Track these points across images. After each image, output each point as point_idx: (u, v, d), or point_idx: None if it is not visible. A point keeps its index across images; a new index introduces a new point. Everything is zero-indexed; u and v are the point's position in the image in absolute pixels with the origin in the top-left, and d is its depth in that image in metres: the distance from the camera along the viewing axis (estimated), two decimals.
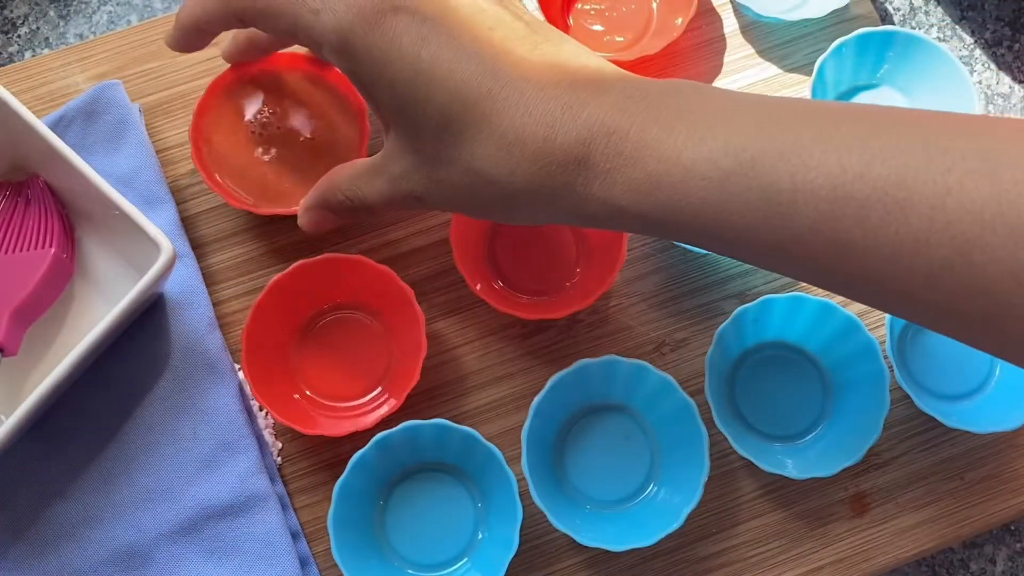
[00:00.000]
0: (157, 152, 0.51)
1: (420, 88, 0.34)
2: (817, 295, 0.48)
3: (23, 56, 0.56)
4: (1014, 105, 0.56)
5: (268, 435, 0.48)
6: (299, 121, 0.49)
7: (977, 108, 0.50)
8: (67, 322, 0.48)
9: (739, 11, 0.54)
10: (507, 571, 0.44)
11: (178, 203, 0.50)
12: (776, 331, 0.49)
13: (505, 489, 0.44)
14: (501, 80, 0.34)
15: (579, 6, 0.54)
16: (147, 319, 0.47)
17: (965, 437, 0.49)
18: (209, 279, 0.50)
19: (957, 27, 0.57)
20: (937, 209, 0.28)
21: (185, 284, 0.48)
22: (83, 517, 0.45)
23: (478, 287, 0.47)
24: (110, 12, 0.57)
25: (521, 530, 0.44)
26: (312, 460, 0.48)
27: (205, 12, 0.41)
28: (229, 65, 0.49)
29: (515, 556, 0.44)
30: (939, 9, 0.57)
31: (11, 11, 0.56)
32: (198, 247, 0.50)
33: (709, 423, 0.46)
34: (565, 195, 0.34)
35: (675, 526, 0.44)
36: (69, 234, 0.48)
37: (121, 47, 0.53)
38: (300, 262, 0.46)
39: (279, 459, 0.48)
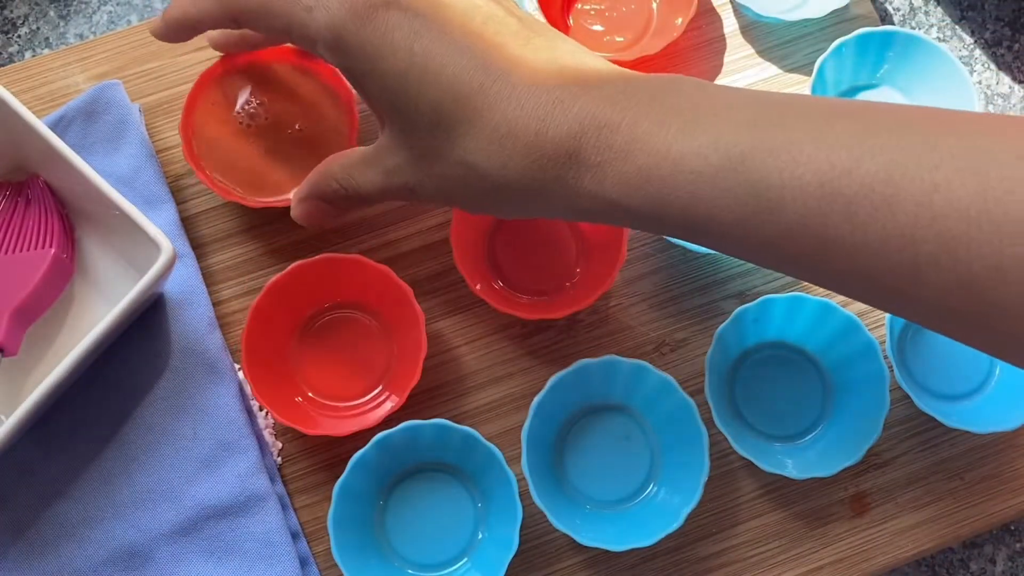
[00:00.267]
0: (157, 152, 0.51)
1: (412, 83, 0.34)
2: (817, 295, 0.48)
3: (23, 56, 0.56)
4: (1014, 105, 0.56)
5: (268, 435, 0.48)
6: (288, 112, 0.49)
7: (977, 108, 0.50)
8: (67, 322, 0.48)
9: (739, 11, 0.54)
10: (507, 571, 0.44)
11: (178, 203, 0.50)
12: (776, 331, 0.49)
13: (505, 489, 0.44)
14: (493, 74, 0.34)
15: (579, 6, 0.54)
16: (147, 319, 0.47)
17: (965, 437, 0.49)
18: (209, 279, 0.50)
19: (957, 27, 0.57)
20: (923, 206, 0.28)
21: (185, 284, 0.48)
22: (83, 517, 0.45)
23: (478, 287, 0.47)
24: (110, 12, 0.57)
25: (521, 530, 0.44)
26: (312, 460, 0.48)
27: (199, 11, 0.41)
28: (222, 59, 0.49)
29: (515, 556, 0.44)
30: (939, 9, 0.57)
31: (11, 11, 0.56)
32: (198, 247, 0.50)
33: (709, 423, 0.46)
34: (557, 188, 0.34)
35: (675, 526, 0.44)
36: (69, 234, 0.48)
37: (121, 47, 0.53)
38: (298, 263, 0.46)
39: (279, 459, 0.48)
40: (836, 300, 0.49)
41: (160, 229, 0.43)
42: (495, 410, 0.49)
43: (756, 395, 0.49)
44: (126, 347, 0.47)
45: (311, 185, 0.41)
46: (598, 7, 0.54)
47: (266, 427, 0.48)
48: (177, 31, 0.42)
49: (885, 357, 0.47)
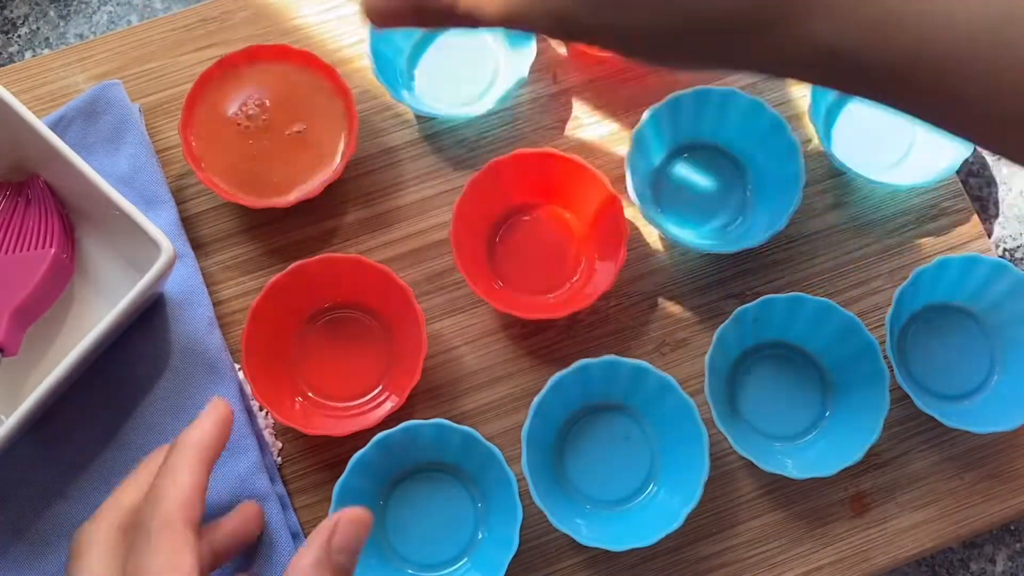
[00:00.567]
0: (157, 152, 0.51)
1: None
2: (817, 295, 0.48)
3: (23, 56, 0.55)
4: None
5: (268, 435, 0.48)
6: (287, 113, 0.49)
7: None
8: (67, 322, 0.48)
9: None
10: (507, 571, 0.44)
11: (178, 203, 0.50)
12: (776, 331, 0.48)
13: (505, 489, 0.44)
14: None
15: None
16: (147, 319, 0.47)
17: (965, 437, 0.49)
18: (209, 279, 0.50)
19: None
20: None
21: (185, 284, 0.48)
22: (83, 517, 0.45)
23: (478, 287, 0.47)
24: (110, 12, 0.57)
25: (521, 530, 0.44)
26: (312, 460, 0.48)
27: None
28: (220, 60, 0.49)
29: (515, 556, 0.44)
30: None
31: (11, 11, 0.56)
32: (198, 247, 0.50)
33: (709, 423, 0.46)
34: (772, 30, 0.26)
35: (675, 526, 0.44)
36: (69, 234, 0.48)
37: (121, 47, 0.53)
38: (297, 263, 0.46)
39: (279, 459, 0.48)
40: (836, 300, 0.49)
41: (160, 229, 0.43)
42: (495, 410, 0.49)
43: (756, 395, 0.48)
44: (126, 347, 0.47)
45: None
46: None
47: (266, 427, 0.48)
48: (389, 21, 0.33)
49: (885, 357, 0.47)
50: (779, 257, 0.51)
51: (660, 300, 0.50)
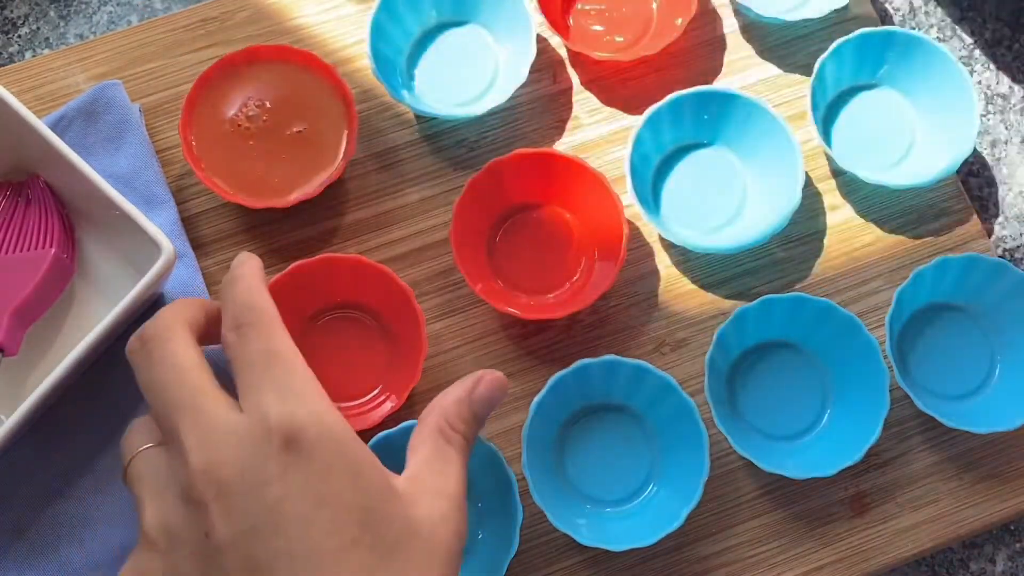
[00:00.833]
0: (157, 152, 0.51)
1: None
2: (817, 295, 0.48)
3: (23, 56, 0.56)
4: (1014, 105, 0.56)
5: None
6: (287, 113, 0.49)
7: (977, 108, 0.50)
8: (67, 322, 0.48)
9: (739, 11, 0.54)
10: (507, 571, 0.44)
11: (178, 203, 0.50)
12: (776, 331, 0.49)
13: (505, 489, 0.44)
14: None
15: (579, 6, 0.54)
16: (147, 319, 0.47)
17: (965, 437, 0.49)
18: (209, 279, 0.50)
19: (957, 27, 0.57)
20: None
21: (185, 284, 0.48)
22: (83, 517, 0.45)
23: (478, 287, 0.47)
24: (110, 12, 0.57)
25: (521, 530, 0.44)
26: None
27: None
28: (220, 60, 0.49)
29: (515, 556, 0.44)
30: (939, 9, 0.57)
31: (11, 11, 0.56)
32: (198, 247, 0.50)
33: (709, 423, 0.46)
34: None
35: (675, 526, 0.44)
36: (69, 234, 0.48)
37: (121, 47, 0.53)
38: (297, 263, 0.46)
39: None
40: (836, 300, 0.49)
41: (160, 229, 0.43)
42: (495, 410, 0.49)
43: (756, 395, 0.48)
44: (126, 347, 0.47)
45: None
46: (598, 7, 0.54)
47: None
48: None
49: (885, 357, 0.47)
50: (779, 257, 0.51)
51: (660, 300, 0.50)
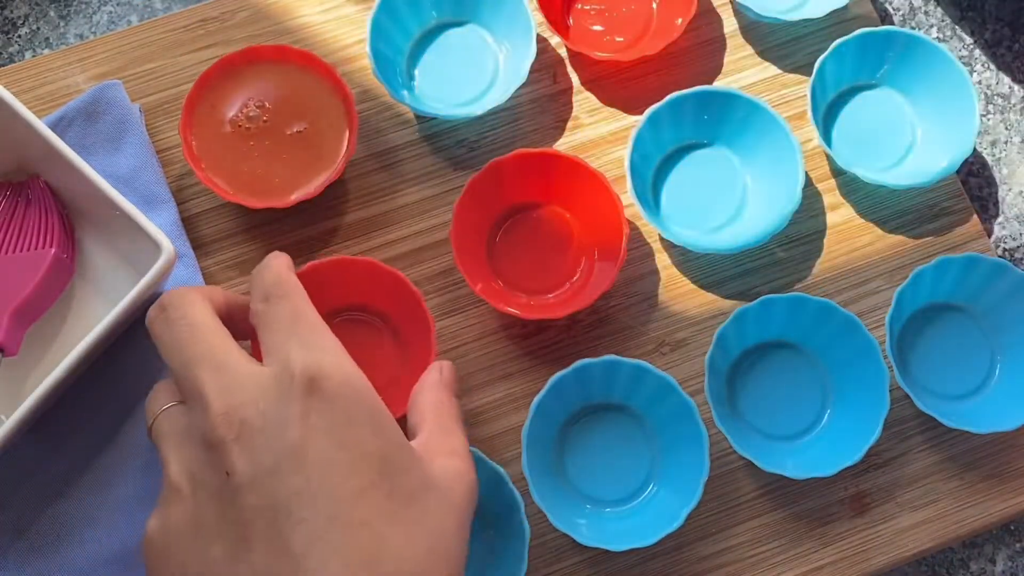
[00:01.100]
0: (157, 152, 0.51)
1: None
2: (817, 295, 0.48)
3: (23, 56, 0.55)
4: (1014, 105, 0.56)
5: None
6: (287, 113, 0.49)
7: (977, 108, 0.50)
8: (67, 322, 0.48)
9: (739, 11, 0.54)
10: None
11: (178, 203, 0.50)
12: (776, 331, 0.49)
13: (513, 511, 0.44)
14: None
15: (579, 6, 0.54)
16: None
17: (965, 437, 0.49)
18: (209, 279, 0.50)
19: (957, 27, 0.57)
20: None
21: (185, 284, 0.48)
22: (83, 517, 0.45)
23: (478, 287, 0.47)
24: (110, 12, 0.56)
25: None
26: None
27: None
28: (220, 60, 0.49)
29: None
30: (939, 9, 0.57)
31: (11, 11, 0.56)
32: (198, 247, 0.50)
33: (709, 423, 0.46)
34: None
35: (675, 526, 0.44)
36: (69, 234, 0.48)
37: (121, 47, 0.53)
38: (311, 264, 0.46)
39: None
40: (836, 300, 0.49)
41: (160, 229, 0.43)
42: (495, 410, 0.49)
43: (756, 395, 0.48)
44: (126, 347, 0.47)
45: None
46: (598, 7, 0.54)
47: None
48: None
49: (885, 357, 0.47)
50: (779, 257, 0.51)
51: (660, 300, 0.50)
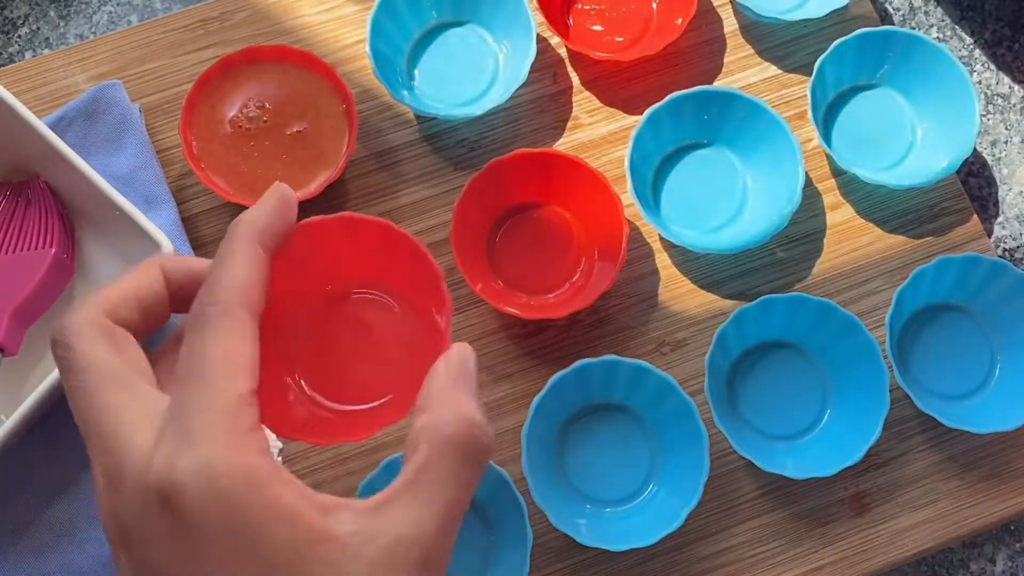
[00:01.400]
0: (157, 152, 0.51)
1: None
2: (817, 295, 0.48)
3: (23, 56, 0.55)
4: (1014, 105, 0.56)
5: (268, 434, 0.47)
6: (287, 113, 0.49)
7: (977, 108, 0.50)
8: None
9: (739, 11, 0.54)
10: None
11: (178, 203, 0.50)
12: (776, 331, 0.48)
13: (516, 514, 0.44)
14: None
15: (579, 6, 0.54)
16: None
17: (965, 437, 0.49)
18: None
19: (957, 27, 0.57)
20: None
21: None
22: (83, 517, 0.45)
23: (478, 287, 0.47)
24: (110, 12, 0.56)
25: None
26: (313, 460, 0.48)
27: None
28: (220, 60, 0.49)
29: None
30: (939, 9, 0.57)
31: (11, 11, 0.56)
32: (198, 247, 0.50)
33: (709, 423, 0.46)
34: None
35: (675, 526, 0.44)
36: (69, 234, 0.48)
37: (121, 47, 0.53)
38: (312, 220, 0.34)
39: (280, 459, 0.48)
40: (836, 300, 0.49)
41: (160, 229, 0.43)
42: (495, 410, 0.49)
43: (756, 395, 0.48)
44: None
45: None
46: (598, 7, 0.54)
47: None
48: None
49: (885, 357, 0.47)
50: (779, 257, 0.51)
51: (660, 300, 0.50)
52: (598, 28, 0.54)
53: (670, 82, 0.53)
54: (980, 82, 0.56)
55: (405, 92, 0.51)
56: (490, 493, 0.45)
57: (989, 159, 0.55)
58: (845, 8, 0.53)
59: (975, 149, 0.55)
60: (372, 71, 0.50)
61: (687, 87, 0.50)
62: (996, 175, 0.55)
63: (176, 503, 0.25)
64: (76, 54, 0.53)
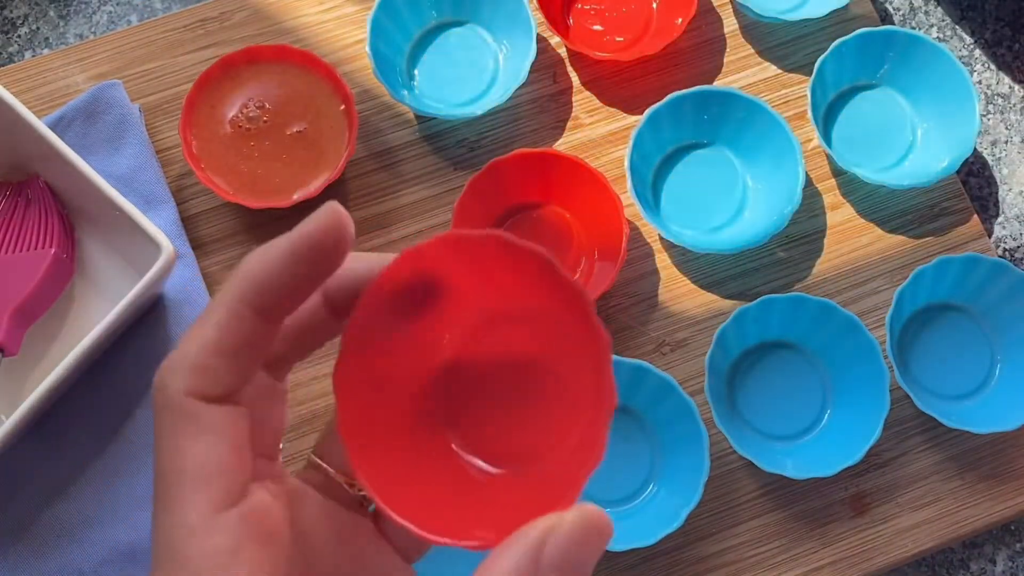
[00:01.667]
0: (157, 152, 0.51)
1: None
2: (817, 295, 0.48)
3: (23, 56, 0.55)
4: (1014, 105, 0.56)
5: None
6: (287, 113, 0.49)
7: (977, 108, 0.50)
8: (67, 322, 0.48)
9: (739, 11, 0.54)
10: None
11: (178, 203, 0.50)
12: (776, 331, 0.48)
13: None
14: None
15: (579, 6, 0.54)
16: (147, 319, 0.47)
17: (965, 437, 0.49)
18: (209, 279, 0.50)
19: (957, 27, 0.57)
20: None
21: (185, 284, 0.48)
22: (83, 517, 0.45)
23: None
24: (110, 12, 0.56)
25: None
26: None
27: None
28: (220, 60, 0.49)
29: None
30: (939, 9, 0.57)
31: (11, 11, 0.56)
32: (198, 247, 0.50)
33: (709, 423, 0.46)
34: None
35: (675, 526, 0.44)
36: (69, 234, 0.48)
37: (121, 47, 0.53)
38: (445, 237, 0.24)
39: (280, 460, 0.47)
40: (836, 300, 0.49)
41: (160, 229, 0.43)
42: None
43: (756, 395, 0.48)
44: (126, 347, 0.47)
45: None
46: (598, 7, 0.54)
47: None
48: None
49: (885, 357, 0.47)
50: (779, 257, 0.51)
51: (660, 300, 0.50)
52: (598, 28, 0.54)
53: (670, 82, 0.53)
54: (980, 82, 0.56)
55: (405, 92, 0.51)
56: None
57: (989, 159, 0.55)
58: (845, 8, 0.53)
59: (975, 149, 0.55)
60: (372, 71, 0.50)
61: (687, 87, 0.50)
62: (996, 175, 0.54)
63: None
64: (76, 54, 0.53)
